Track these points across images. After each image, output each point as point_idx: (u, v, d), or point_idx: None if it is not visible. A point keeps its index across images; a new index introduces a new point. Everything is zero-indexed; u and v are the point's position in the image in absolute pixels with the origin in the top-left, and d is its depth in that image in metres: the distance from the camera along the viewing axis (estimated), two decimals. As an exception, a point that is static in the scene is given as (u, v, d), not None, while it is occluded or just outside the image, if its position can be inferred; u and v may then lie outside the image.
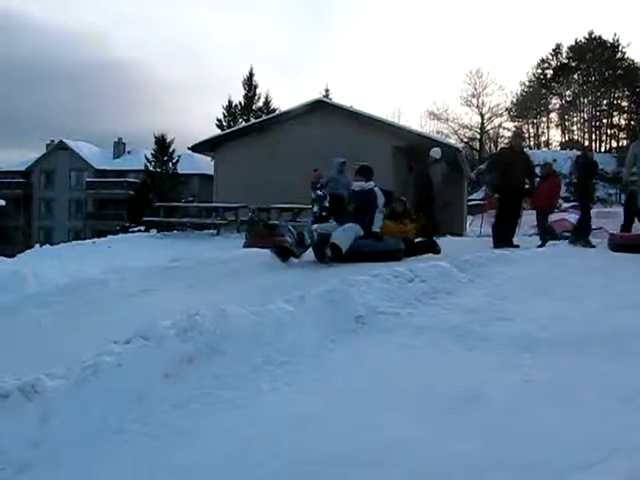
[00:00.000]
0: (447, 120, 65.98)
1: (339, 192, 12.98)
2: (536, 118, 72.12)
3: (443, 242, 11.29)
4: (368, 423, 3.11)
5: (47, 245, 16.78)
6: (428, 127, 63.36)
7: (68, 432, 3.24)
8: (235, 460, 2.88)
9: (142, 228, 26.28)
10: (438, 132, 62.33)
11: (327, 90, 50.43)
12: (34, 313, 6.35)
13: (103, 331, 5.37)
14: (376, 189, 8.89)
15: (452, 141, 48.47)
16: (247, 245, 12.29)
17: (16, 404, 3.26)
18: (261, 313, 4.35)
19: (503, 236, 10.81)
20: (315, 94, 47.87)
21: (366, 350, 4.26)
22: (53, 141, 56.46)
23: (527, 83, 71.70)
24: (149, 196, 42.03)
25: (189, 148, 26.14)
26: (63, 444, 3.17)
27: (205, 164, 44.51)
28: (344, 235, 8.20)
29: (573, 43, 70.32)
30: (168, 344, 3.78)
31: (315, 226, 8.82)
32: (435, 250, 9.11)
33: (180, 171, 47.53)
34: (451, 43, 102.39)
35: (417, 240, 9.76)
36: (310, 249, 8.49)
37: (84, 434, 3.25)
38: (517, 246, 10.41)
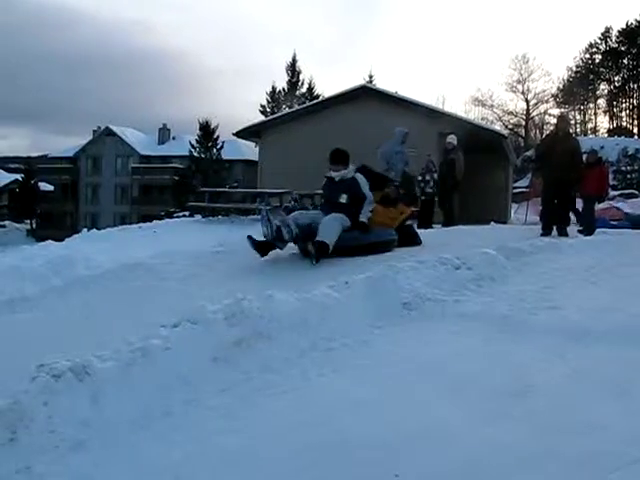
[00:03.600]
0: (492, 106, 65.29)
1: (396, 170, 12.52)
2: (583, 104, 70.84)
3: (487, 229, 11.17)
4: (415, 410, 3.11)
5: (94, 230, 17.02)
6: (472, 113, 62.75)
7: (117, 413, 3.29)
8: (283, 445, 2.89)
9: (186, 213, 26.52)
10: (483, 118, 61.72)
11: (371, 76, 50.26)
12: (83, 296, 6.44)
13: (151, 315, 5.44)
14: (358, 176, 7.95)
15: (497, 127, 47.84)
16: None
17: (68, 384, 3.31)
18: (307, 299, 4.34)
19: (551, 224, 10.61)
20: (359, 80, 47.57)
21: (413, 337, 4.23)
22: (100, 127, 57.22)
23: (574, 68, 70.41)
24: (193, 182, 42.39)
25: (234, 134, 26.24)
26: (113, 424, 3.22)
27: (249, 150, 44.69)
28: (330, 229, 7.29)
29: (623, 27, 68.72)
30: (216, 328, 3.81)
31: (294, 215, 7.75)
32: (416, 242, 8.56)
33: (224, 157, 47.81)
34: (497, 28, 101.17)
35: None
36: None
37: (133, 415, 3.29)
38: (567, 235, 10.21)
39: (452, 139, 14.14)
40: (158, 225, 19.10)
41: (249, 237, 7.45)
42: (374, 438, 2.83)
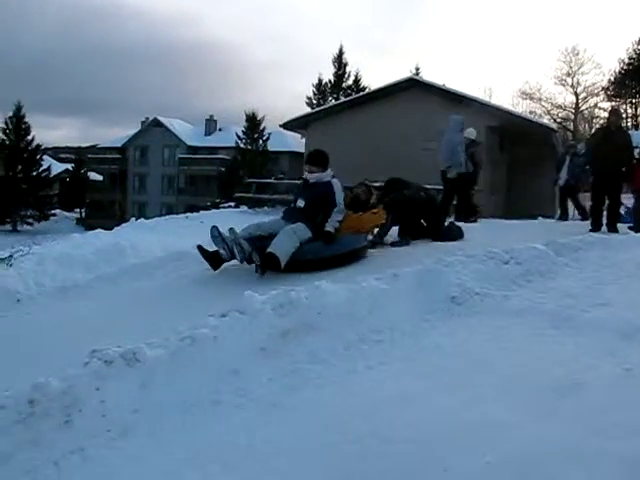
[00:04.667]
0: (540, 100, 64.08)
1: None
2: (635, 97, 69.15)
3: (534, 224, 11.02)
4: (463, 405, 3.07)
5: (142, 219, 17.24)
6: (520, 107, 61.79)
7: (166, 400, 3.34)
8: (329, 436, 2.90)
9: (232, 204, 26.66)
10: (531, 112, 60.70)
11: (417, 68, 49.90)
12: (132, 284, 6.55)
13: (198, 303, 5.52)
14: (334, 181, 7.18)
15: (545, 121, 47.08)
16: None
17: (119, 370, 3.38)
18: (355, 290, 4.34)
19: (600, 220, 10.42)
20: (405, 72, 47.33)
21: (461, 331, 4.19)
22: (148, 118, 57.87)
23: (626, 60, 68.71)
24: (239, 173, 42.67)
25: (281, 125, 26.32)
26: (162, 411, 3.28)
27: (295, 142, 44.77)
28: (284, 241, 6.52)
29: (678, 17, 66.82)
30: (263, 318, 3.84)
31: (251, 227, 7.03)
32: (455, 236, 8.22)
33: (270, 149, 48.02)
34: (546, 19, 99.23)
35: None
36: None
37: (181, 403, 3.35)
38: (617, 231, 10.01)
39: (470, 133, 13.73)
40: (205, 215, 19.23)
41: (199, 247, 6.86)
42: (421, 432, 2.82)
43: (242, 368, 3.56)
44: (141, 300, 6.10)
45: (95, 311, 5.91)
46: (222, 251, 6.61)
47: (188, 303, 5.69)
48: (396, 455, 2.67)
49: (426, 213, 8.36)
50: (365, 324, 4.10)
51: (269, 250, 6.39)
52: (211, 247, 6.82)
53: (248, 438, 2.99)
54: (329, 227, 6.91)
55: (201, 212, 20.77)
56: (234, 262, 6.64)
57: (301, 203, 7.08)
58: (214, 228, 6.66)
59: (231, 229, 6.46)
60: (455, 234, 8.34)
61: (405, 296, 4.55)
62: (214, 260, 6.73)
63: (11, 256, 8.88)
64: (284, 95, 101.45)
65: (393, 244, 7.83)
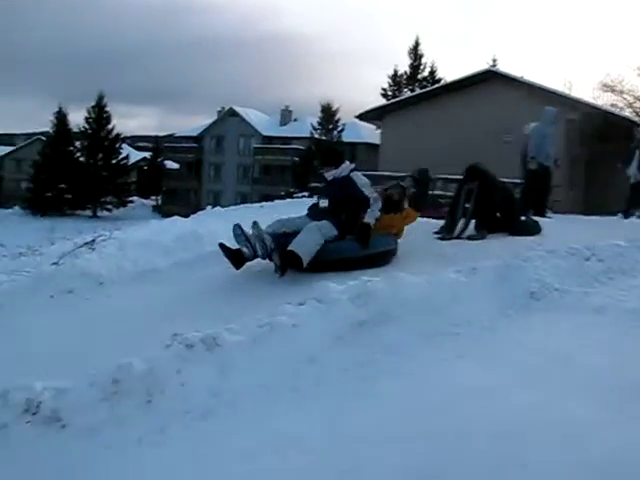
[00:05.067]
0: (621, 92, 62.09)
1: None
2: None
3: (614, 221, 10.70)
4: (543, 402, 3.02)
5: (218, 207, 17.44)
6: (601, 100, 59.92)
7: (244, 385, 3.40)
8: (405, 428, 2.90)
9: (306, 194, 26.76)
10: (612, 105, 58.83)
11: (494, 60, 48.78)
12: (209, 271, 6.65)
13: (274, 291, 5.58)
14: (355, 174, 6.84)
15: (627, 114, 45.53)
16: (412, 215, 12.24)
17: (199, 354, 3.46)
18: (433, 282, 4.32)
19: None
20: (481, 64, 46.28)
21: (540, 327, 4.13)
22: (224, 108, 58.48)
23: None
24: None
25: (356, 116, 26.32)
26: (240, 395, 3.34)
27: (369, 133, 44.57)
28: (307, 239, 6.17)
29: None
30: (341, 308, 3.86)
31: (275, 225, 6.64)
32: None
33: (345, 139, 47.95)
34: (629, 9, 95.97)
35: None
36: None
37: (259, 388, 3.40)
38: None
39: (530, 128, 13.00)
40: (279, 205, 19.35)
41: (221, 245, 6.49)
42: (500, 428, 2.78)
43: (319, 356, 3.59)
44: (217, 286, 6.19)
45: (174, 296, 6.04)
46: (245, 249, 6.33)
47: (265, 290, 5.76)
48: (474, 450, 2.65)
49: (504, 206, 8.20)
50: (443, 317, 4.07)
51: (290, 248, 6.10)
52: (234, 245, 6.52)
53: (325, 425, 3.02)
54: (369, 218, 6.55)
55: (276, 201, 20.91)
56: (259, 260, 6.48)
57: (324, 203, 6.76)
58: (236, 226, 6.39)
59: (255, 223, 6.27)
60: (532, 229, 8.15)
61: (483, 290, 4.50)
62: (236, 259, 6.41)
63: (94, 240, 9.17)
64: (359, 86, 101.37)
65: (470, 237, 7.71)
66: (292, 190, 37.52)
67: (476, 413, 2.94)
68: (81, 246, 8.98)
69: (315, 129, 48.60)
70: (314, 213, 6.72)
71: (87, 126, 51.90)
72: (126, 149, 54.91)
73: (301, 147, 50.75)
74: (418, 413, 3.01)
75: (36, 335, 5.40)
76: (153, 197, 57.30)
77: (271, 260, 6.28)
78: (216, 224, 9.07)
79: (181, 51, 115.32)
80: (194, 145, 56.84)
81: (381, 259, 6.43)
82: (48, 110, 56.53)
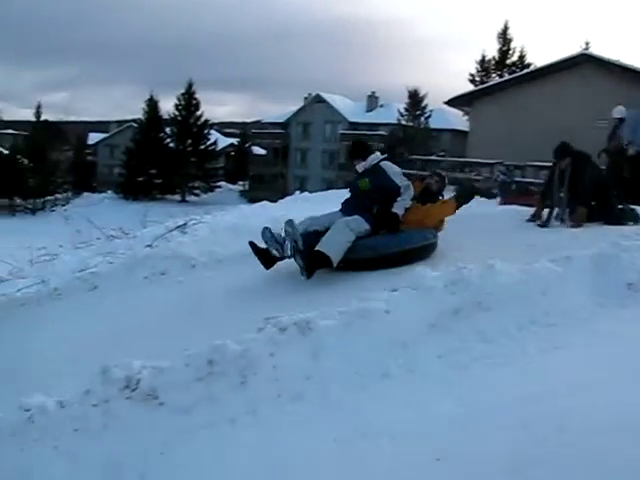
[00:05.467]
0: None
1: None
2: None
3: None
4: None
5: (305, 192, 17.53)
6: None
7: (336, 370, 3.40)
8: (501, 418, 2.85)
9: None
10: None
11: (587, 43, 47.17)
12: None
13: (367, 277, 5.57)
14: (385, 163, 6.60)
15: None
16: (502, 203, 12.03)
17: (292, 338, 3.48)
18: (528, 271, 4.20)
19: None
20: (573, 48, 44.83)
21: (638, 320, 3.97)
22: (310, 95, 58.71)
23: None
24: (400, 149, 42.56)
25: (445, 102, 25.90)
26: (331, 380, 3.35)
27: (456, 119, 43.98)
28: (335, 237, 5.90)
29: None
30: (435, 295, 3.81)
31: (306, 221, 6.37)
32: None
33: (431, 126, 47.46)
34: None
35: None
36: None
37: (350, 374, 3.40)
38: None
39: (619, 112, 12.08)
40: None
41: (251, 243, 6.23)
42: (599, 422, 2.70)
43: (412, 343, 3.55)
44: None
45: (264, 279, 6.10)
46: (275, 251, 6.12)
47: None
48: (572, 444, 2.58)
49: (599, 192, 7.92)
50: (538, 306, 3.97)
51: (317, 248, 5.83)
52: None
53: (417, 412, 3.00)
54: (397, 208, 6.28)
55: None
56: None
57: (364, 184, 6.52)
58: (266, 230, 6.14)
59: (290, 221, 6.00)
60: (630, 217, 7.84)
61: (578, 280, 4.34)
62: (266, 258, 6.20)
63: (185, 224, 9.39)
64: (445, 72, 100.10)
65: (563, 222, 7.49)
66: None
67: (575, 406, 2.86)
68: (173, 229, 9.21)
69: (402, 115, 48.23)
70: (347, 208, 6.49)
71: (177, 113, 53.04)
72: (214, 135, 55.84)
73: (387, 133, 50.48)
74: (514, 403, 2.96)
75: (131, 315, 5.58)
76: (240, 182, 58.10)
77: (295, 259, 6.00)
78: (304, 209, 9.11)
79: (269, 39, 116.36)
80: (281, 131, 57.26)
81: (418, 254, 6.11)
82: (139, 98, 58.14)
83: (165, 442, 2.97)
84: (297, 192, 18.21)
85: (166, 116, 53.66)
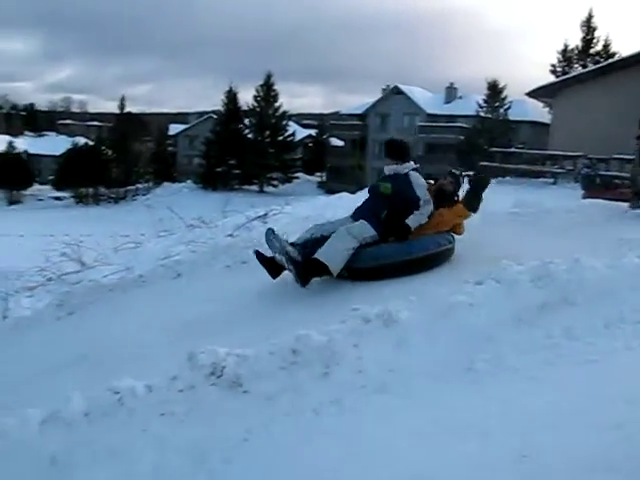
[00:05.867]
0: None
1: None
2: None
3: None
4: None
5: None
6: None
7: (419, 362, 3.40)
8: (588, 417, 2.78)
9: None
10: None
11: (680, 30, 45.45)
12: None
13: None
14: (413, 174, 6.20)
15: None
16: (585, 196, 11.74)
17: (376, 329, 3.49)
18: (615, 267, 4.10)
19: None
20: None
21: None
22: (389, 86, 58.44)
23: None
24: (479, 141, 41.93)
25: (526, 94, 25.33)
26: (414, 372, 3.34)
27: (535, 111, 43.10)
28: (334, 245, 5.62)
29: None
30: (520, 289, 3.76)
31: (312, 228, 6.21)
32: None
33: (510, 118, 46.63)
34: None
35: None
36: None
37: (434, 366, 3.38)
38: None
39: None
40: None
41: (256, 252, 6.03)
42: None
43: (496, 337, 3.51)
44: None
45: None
46: (278, 257, 5.77)
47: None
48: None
49: None
50: (626, 303, 3.85)
51: (315, 256, 5.59)
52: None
53: (502, 408, 2.96)
54: (411, 222, 5.94)
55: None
56: None
57: (386, 189, 6.14)
58: (269, 231, 5.89)
59: (269, 230, 5.85)
60: None
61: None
62: (272, 266, 5.91)
63: (266, 214, 9.50)
64: (525, 63, 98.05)
65: None
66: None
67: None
68: (254, 219, 9.33)
69: (481, 107, 47.50)
70: (358, 213, 6.17)
71: (255, 104, 53.63)
72: (292, 126, 56.25)
73: (466, 125, 49.84)
74: (602, 402, 2.88)
75: (214, 302, 5.68)
76: (318, 173, 58.34)
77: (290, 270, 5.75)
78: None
79: (347, 30, 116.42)
80: (359, 123, 57.18)
81: (429, 263, 5.84)
82: (219, 90, 59.01)
83: (249, 429, 3.01)
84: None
85: (245, 107, 54.41)
